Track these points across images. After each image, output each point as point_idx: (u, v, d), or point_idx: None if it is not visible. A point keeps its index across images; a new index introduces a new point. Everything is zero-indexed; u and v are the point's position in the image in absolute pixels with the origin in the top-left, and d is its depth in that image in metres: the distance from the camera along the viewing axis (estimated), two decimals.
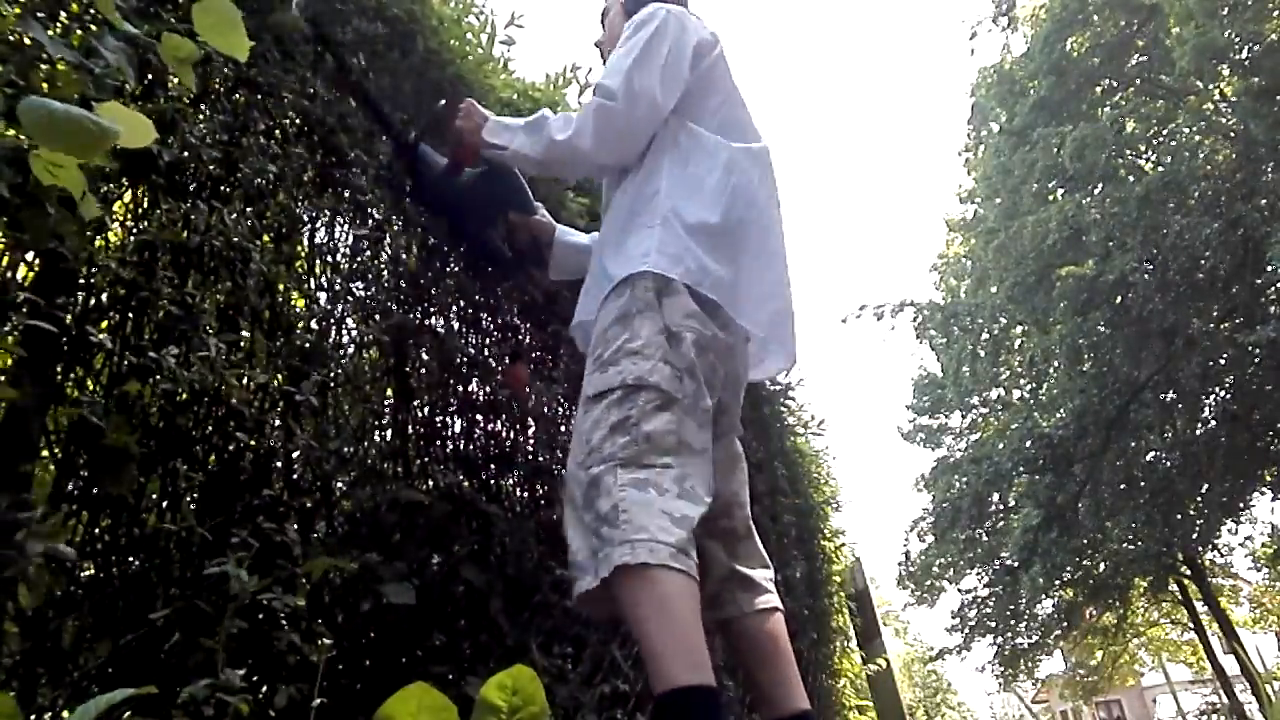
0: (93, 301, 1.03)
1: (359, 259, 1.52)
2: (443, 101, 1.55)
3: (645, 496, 1.11)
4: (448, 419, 1.69)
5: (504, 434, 1.83)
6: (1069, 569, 12.78)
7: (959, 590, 15.32)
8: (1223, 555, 15.05)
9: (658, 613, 1.04)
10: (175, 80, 1.15)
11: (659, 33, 1.41)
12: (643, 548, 1.05)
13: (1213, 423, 10.82)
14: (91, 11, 0.97)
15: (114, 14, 0.89)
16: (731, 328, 1.33)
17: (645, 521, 1.08)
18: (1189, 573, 13.41)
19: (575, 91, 2.38)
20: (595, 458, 1.16)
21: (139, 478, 1.00)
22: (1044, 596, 14.44)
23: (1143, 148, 11.17)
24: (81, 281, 1.00)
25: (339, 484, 1.35)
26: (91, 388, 1.02)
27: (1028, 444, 11.50)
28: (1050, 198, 11.01)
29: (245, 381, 1.16)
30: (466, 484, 1.61)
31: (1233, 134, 9.60)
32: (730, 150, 1.40)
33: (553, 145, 1.41)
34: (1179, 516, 11.17)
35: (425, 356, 1.62)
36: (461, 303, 1.79)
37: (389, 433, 1.51)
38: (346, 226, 1.52)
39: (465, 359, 1.72)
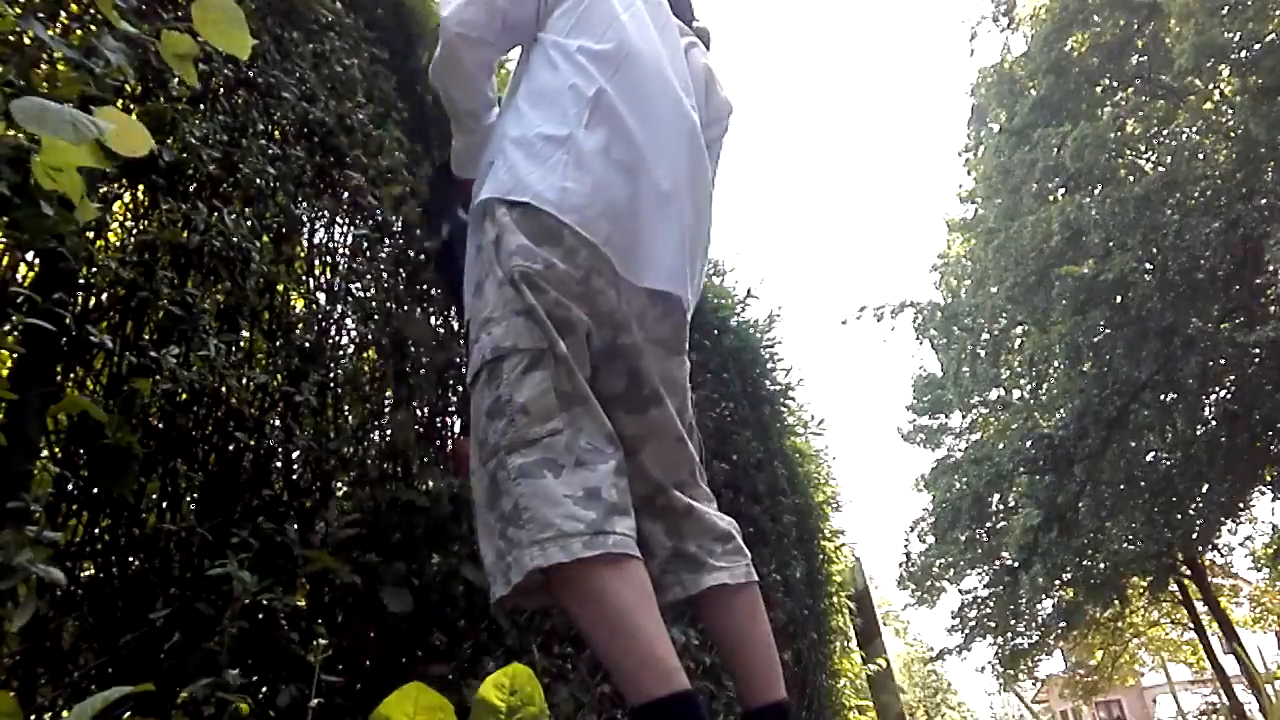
0: (93, 301, 1.03)
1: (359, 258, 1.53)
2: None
3: (541, 484, 1.00)
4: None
5: None
6: (1069, 569, 12.77)
7: (959, 590, 15.32)
8: (1223, 555, 15.05)
9: (599, 617, 0.96)
10: (176, 80, 1.15)
11: None
12: (553, 546, 0.96)
13: (1213, 423, 10.81)
14: (91, 11, 0.97)
15: (113, 13, 0.89)
16: (580, 257, 1.12)
17: (547, 514, 0.98)
18: (1189, 572, 13.41)
19: None
20: (486, 451, 1.06)
21: (139, 478, 1.00)
22: (1044, 596, 14.43)
23: (1143, 148, 11.17)
24: (81, 281, 1.00)
25: (338, 484, 1.36)
26: (91, 387, 1.02)
27: (1028, 444, 11.50)
28: (1050, 198, 11.01)
29: (245, 381, 1.16)
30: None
31: (1233, 134, 9.60)
32: (571, 60, 1.23)
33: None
34: (1179, 516, 11.16)
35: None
36: None
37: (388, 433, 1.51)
38: (347, 227, 1.52)
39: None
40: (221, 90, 1.29)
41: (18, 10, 0.89)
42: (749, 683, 1.16)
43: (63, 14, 0.99)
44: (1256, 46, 8.60)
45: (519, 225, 1.12)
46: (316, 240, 1.48)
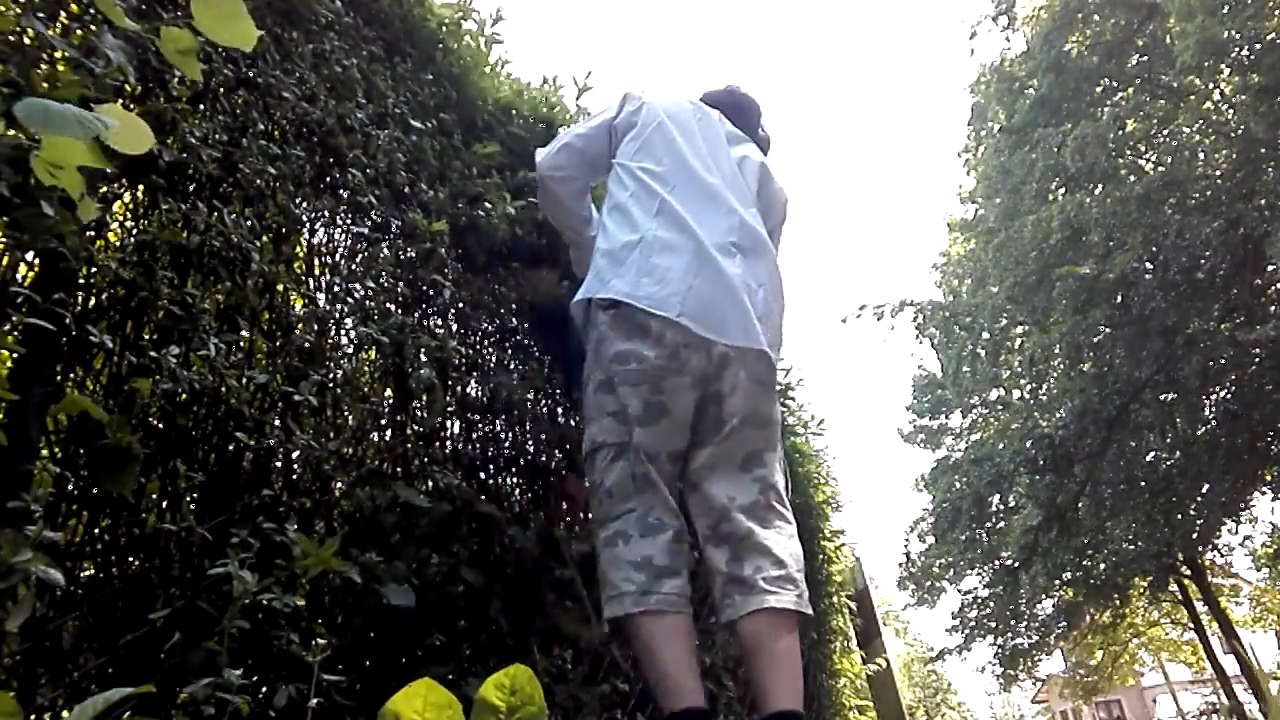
0: (93, 301, 1.03)
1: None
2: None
3: (614, 552, 1.37)
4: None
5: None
6: (1069, 569, 12.76)
7: (959, 591, 15.32)
8: (1223, 555, 15.04)
9: (643, 653, 1.31)
10: (176, 80, 1.15)
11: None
12: (614, 603, 1.33)
13: (1213, 423, 10.80)
14: (91, 11, 0.97)
15: (115, 10, 0.89)
16: (665, 338, 1.39)
17: (614, 577, 1.35)
18: (1189, 572, 13.40)
19: (572, 93, 2.38)
20: (593, 523, 1.44)
21: (139, 478, 1.00)
22: (1044, 596, 14.43)
23: (1143, 147, 11.16)
24: (81, 281, 1.00)
25: (338, 484, 1.36)
26: (91, 387, 1.02)
27: (1028, 444, 11.48)
28: (1050, 197, 11.00)
29: (245, 381, 1.16)
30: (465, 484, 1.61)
31: (1233, 134, 9.59)
32: (636, 179, 1.56)
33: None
34: (1179, 516, 11.15)
35: None
36: None
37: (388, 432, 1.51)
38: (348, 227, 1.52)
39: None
40: (221, 90, 1.29)
41: (18, 10, 0.89)
42: (759, 690, 1.29)
43: (63, 14, 0.99)
44: (1258, 45, 8.59)
45: (614, 326, 1.42)
46: (317, 240, 1.48)
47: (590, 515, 1.45)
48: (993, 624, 14.88)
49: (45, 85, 0.89)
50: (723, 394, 1.42)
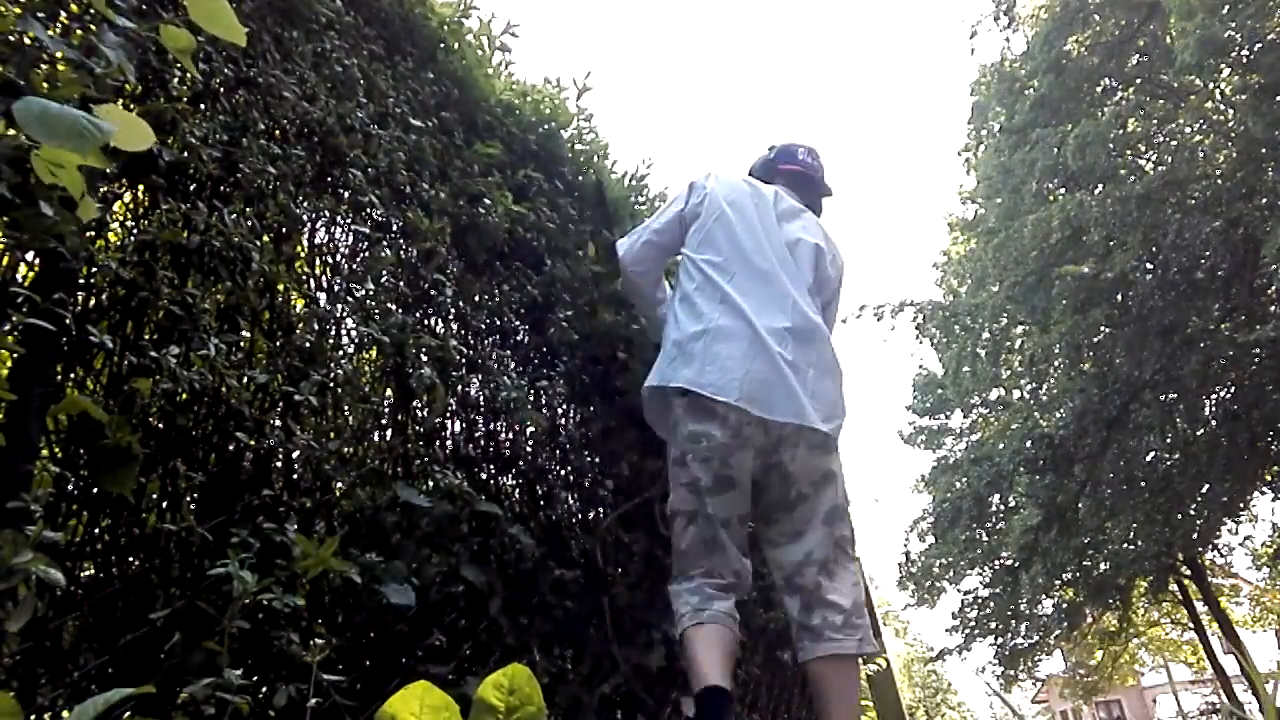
0: (93, 301, 1.03)
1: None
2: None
3: (681, 605, 1.61)
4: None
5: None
6: (1069, 569, 12.76)
7: (959, 590, 15.31)
8: (1223, 555, 15.04)
9: (686, 654, 1.55)
10: (176, 80, 1.15)
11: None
12: (679, 628, 1.59)
13: (1213, 423, 10.80)
14: (91, 11, 0.97)
15: (108, 10, 0.89)
16: (730, 419, 1.60)
17: (679, 608, 1.61)
18: (1189, 573, 13.40)
19: (574, 94, 2.38)
20: (673, 574, 1.69)
21: (139, 478, 1.00)
22: (1044, 597, 14.42)
23: (1143, 147, 11.15)
24: (81, 281, 1.00)
25: (339, 484, 1.35)
26: (91, 387, 1.02)
27: (1028, 444, 11.47)
28: (1051, 197, 10.99)
29: (245, 381, 1.16)
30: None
31: (1233, 133, 9.59)
32: (701, 272, 1.77)
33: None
34: (1179, 516, 11.15)
35: None
36: None
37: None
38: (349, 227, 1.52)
39: None
40: (222, 90, 1.29)
41: (18, 10, 0.89)
42: None
43: (62, 14, 0.99)
44: (1258, 45, 8.59)
45: (686, 410, 1.64)
46: (318, 240, 1.48)
47: (672, 566, 1.70)
48: (993, 624, 14.87)
49: (45, 85, 0.89)
50: (784, 465, 1.64)
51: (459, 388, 1.71)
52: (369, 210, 1.56)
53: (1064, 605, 14.59)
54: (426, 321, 1.67)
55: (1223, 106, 10.24)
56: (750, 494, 1.65)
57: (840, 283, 2.00)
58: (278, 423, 1.22)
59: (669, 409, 1.71)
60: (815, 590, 1.58)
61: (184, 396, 1.10)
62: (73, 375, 1.00)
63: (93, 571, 1.00)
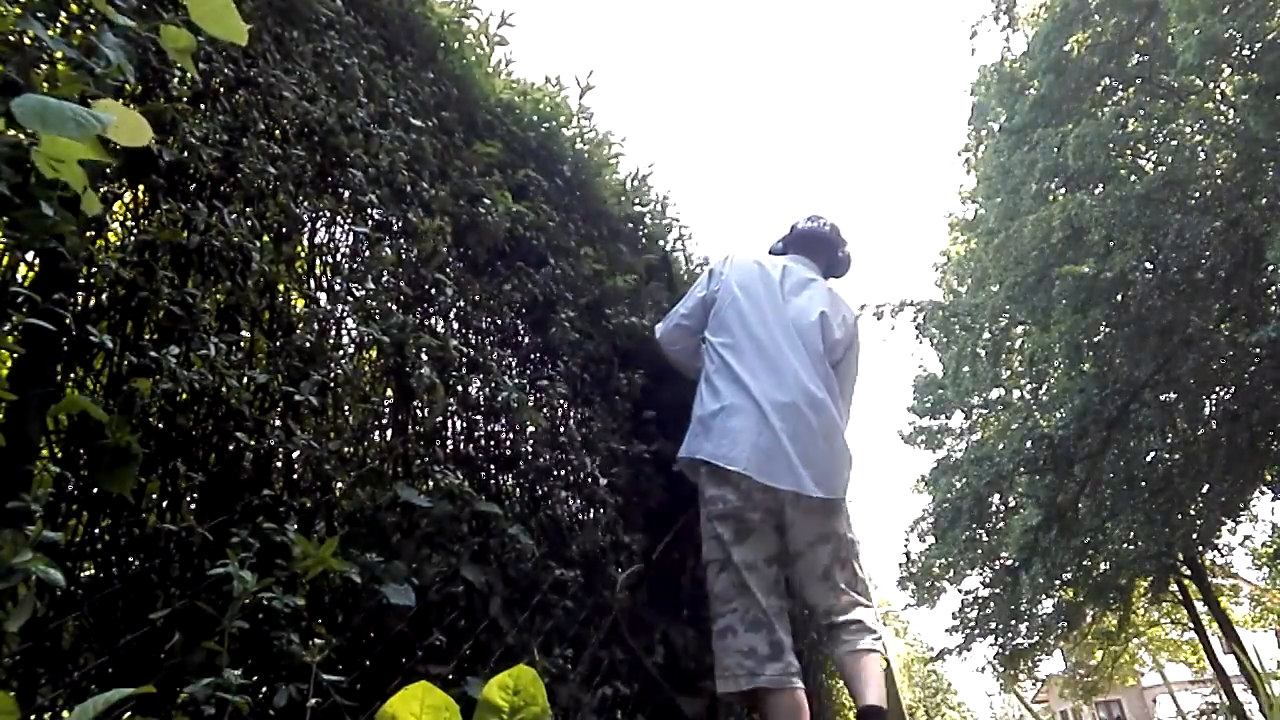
0: (93, 301, 1.03)
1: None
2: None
3: (724, 643, 1.84)
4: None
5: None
6: (1069, 569, 12.75)
7: (959, 590, 15.30)
8: (1223, 555, 15.03)
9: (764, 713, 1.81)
10: (176, 80, 1.15)
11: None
12: (728, 680, 1.80)
13: (1213, 423, 10.79)
14: (91, 11, 0.97)
15: (108, 8, 0.89)
16: (741, 485, 1.89)
17: (726, 661, 1.82)
18: (1189, 573, 13.39)
19: (575, 93, 2.38)
20: (711, 618, 1.92)
21: (139, 478, 1.00)
22: (1044, 597, 14.41)
23: (1143, 147, 11.14)
24: (81, 281, 1.00)
25: (339, 484, 1.35)
26: (91, 387, 1.02)
27: (1028, 444, 11.47)
28: (1051, 197, 10.98)
29: (245, 381, 1.16)
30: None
31: (1234, 133, 9.58)
32: (718, 356, 2.05)
33: None
34: (1179, 516, 11.14)
35: None
36: None
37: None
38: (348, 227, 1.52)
39: None
40: (222, 90, 1.29)
41: (18, 10, 0.89)
42: (857, 697, 1.80)
43: (62, 14, 0.99)
44: (1259, 45, 8.58)
45: (708, 477, 1.95)
46: (318, 240, 1.48)
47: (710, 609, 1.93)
48: (993, 624, 14.86)
49: (45, 85, 0.88)
50: (787, 525, 1.93)
51: (459, 388, 1.71)
52: (369, 210, 1.56)
53: (1064, 605, 14.58)
54: (427, 321, 1.67)
55: (1223, 106, 10.24)
56: (774, 539, 1.93)
57: (852, 340, 2.23)
58: (278, 423, 1.22)
59: (696, 475, 2.01)
60: (838, 614, 1.93)
61: (184, 396, 1.09)
62: (73, 375, 1.00)
63: (93, 571, 1.00)
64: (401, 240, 1.63)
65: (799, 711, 1.75)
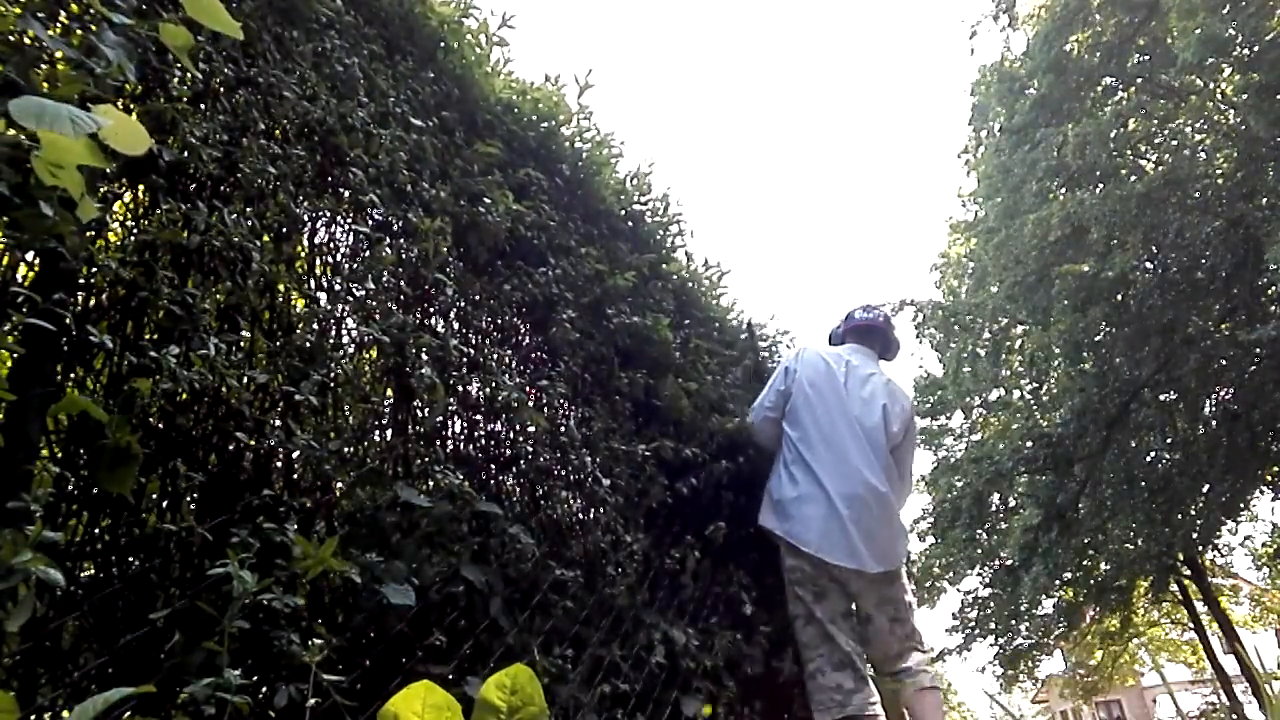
0: (93, 301, 1.03)
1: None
2: None
3: (816, 682, 2.25)
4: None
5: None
6: (1069, 569, 12.75)
7: (959, 590, 15.31)
8: (1223, 555, 15.03)
9: None
10: (176, 80, 1.15)
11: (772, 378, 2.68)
12: (823, 713, 2.20)
13: (1213, 423, 10.79)
14: (91, 11, 0.97)
15: (102, 8, 0.89)
16: (814, 560, 2.30)
17: (820, 697, 2.22)
18: (1189, 573, 13.39)
19: (574, 91, 2.38)
20: (803, 661, 2.33)
21: (139, 478, 1.00)
22: (1044, 597, 14.41)
23: (1144, 146, 11.14)
24: (81, 281, 1.00)
25: (339, 484, 1.35)
26: (91, 387, 1.02)
27: (1028, 444, 11.47)
28: (1051, 196, 10.98)
29: (245, 381, 1.16)
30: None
31: (1234, 133, 9.58)
32: (794, 448, 2.44)
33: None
34: (1179, 516, 11.14)
35: None
36: None
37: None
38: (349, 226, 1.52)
39: None
40: (222, 90, 1.29)
41: (18, 10, 0.89)
42: None
43: (62, 14, 0.99)
44: (1259, 44, 8.58)
45: (787, 551, 2.38)
46: (318, 239, 1.48)
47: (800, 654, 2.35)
48: (993, 624, 14.87)
49: (45, 85, 0.88)
50: (855, 594, 2.35)
51: (459, 388, 1.71)
52: (369, 210, 1.56)
53: (1064, 605, 14.58)
54: (427, 321, 1.67)
55: (1223, 106, 10.24)
56: (846, 599, 2.33)
57: (908, 426, 2.59)
58: (278, 423, 1.22)
59: (776, 543, 2.42)
60: (896, 662, 2.34)
61: (184, 396, 1.09)
62: (73, 375, 1.00)
63: (93, 571, 1.00)
64: (401, 240, 1.63)
65: None
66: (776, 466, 2.49)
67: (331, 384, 1.36)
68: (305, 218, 1.43)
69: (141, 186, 1.11)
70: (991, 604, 14.65)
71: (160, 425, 1.08)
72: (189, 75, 1.16)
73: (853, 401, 2.48)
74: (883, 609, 2.36)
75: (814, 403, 2.47)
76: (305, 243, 1.44)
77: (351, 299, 1.47)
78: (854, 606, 2.37)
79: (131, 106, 1.10)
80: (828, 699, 2.19)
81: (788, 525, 2.35)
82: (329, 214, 1.49)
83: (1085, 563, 12.88)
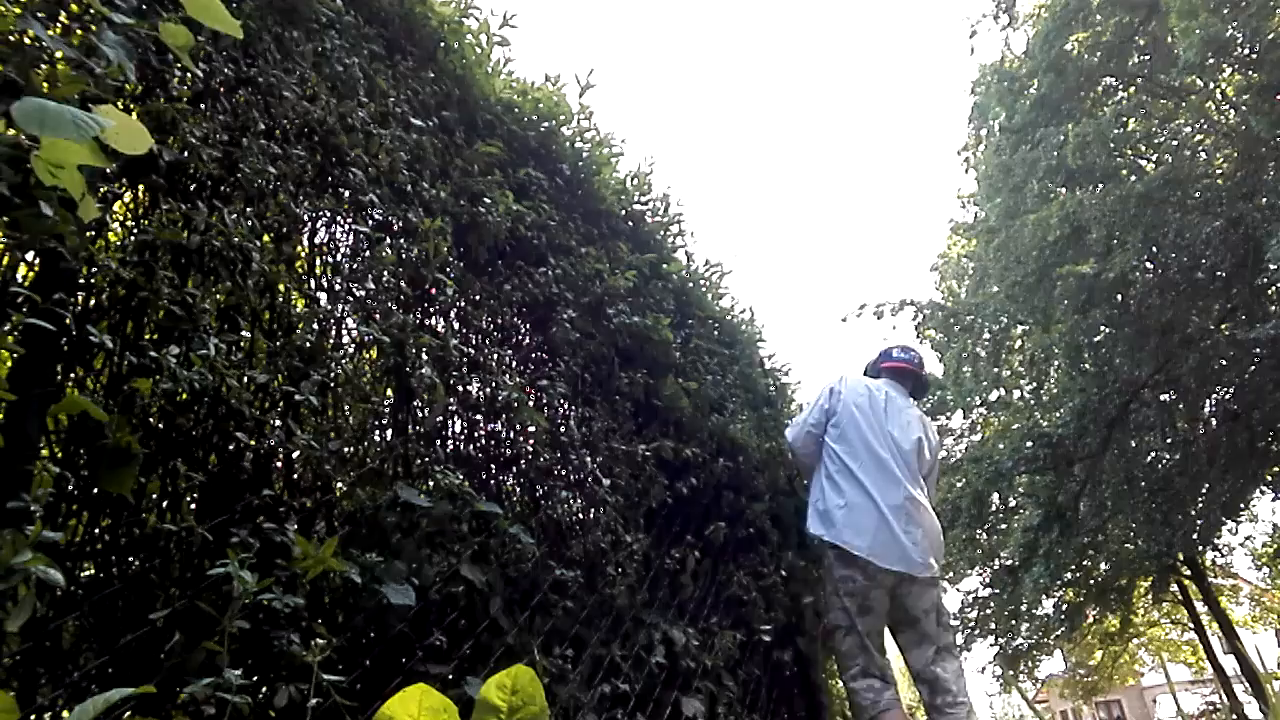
0: (93, 301, 1.03)
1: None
2: None
3: (853, 685, 2.42)
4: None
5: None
6: (1070, 569, 12.74)
7: (959, 591, 15.30)
8: (1223, 555, 15.02)
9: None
10: (176, 80, 1.14)
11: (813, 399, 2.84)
12: (860, 712, 2.38)
13: (1213, 422, 10.78)
14: (91, 12, 0.97)
15: (103, 8, 0.89)
16: (867, 568, 2.40)
17: (859, 699, 2.40)
18: (1189, 573, 13.39)
19: (575, 91, 2.38)
20: (840, 670, 2.53)
21: (139, 478, 1.00)
22: (1044, 597, 14.40)
23: (1144, 146, 11.13)
24: (81, 281, 1.00)
25: (339, 484, 1.35)
26: (91, 387, 1.02)
27: (1028, 444, 11.46)
28: (1051, 196, 10.97)
29: (245, 381, 1.16)
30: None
31: (1234, 133, 9.57)
32: (840, 460, 2.58)
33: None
34: (1179, 516, 11.13)
35: None
36: None
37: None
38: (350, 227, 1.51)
39: None
40: (222, 90, 1.29)
41: (18, 10, 0.89)
42: None
43: (62, 14, 0.99)
44: (1260, 44, 8.57)
45: (837, 558, 2.46)
46: (318, 239, 1.48)
47: (837, 662, 2.54)
48: (993, 624, 14.86)
49: (45, 85, 0.88)
50: (902, 598, 2.46)
51: (459, 388, 1.71)
52: (369, 210, 1.56)
53: (1064, 605, 14.58)
54: (427, 321, 1.67)
55: (1224, 106, 10.23)
56: (884, 617, 2.48)
57: (937, 453, 2.85)
58: (278, 423, 1.22)
59: (823, 553, 2.55)
60: (936, 680, 2.41)
61: (184, 396, 1.09)
62: (73, 375, 1.00)
63: (93, 571, 1.00)
64: (402, 240, 1.63)
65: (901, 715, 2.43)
66: (818, 479, 2.65)
67: (331, 384, 1.36)
68: (305, 218, 1.43)
69: (141, 186, 1.11)
70: (991, 604, 14.63)
71: (160, 425, 1.08)
72: (189, 75, 1.16)
73: (892, 425, 2.67)
74: (930, 614, 2.52)
75: (860, 423, 2.64)
76: (305, 243, 1.44)
77: (351, 299, 1.47)
78: (895, 615, 2.50)
79: (131, 106, 1.10)
80: (866, 702, 2.40)
81: (838, 532, 2.46)
82: (329, 214, 1.49)
83: (1085, 563, 12.87)
